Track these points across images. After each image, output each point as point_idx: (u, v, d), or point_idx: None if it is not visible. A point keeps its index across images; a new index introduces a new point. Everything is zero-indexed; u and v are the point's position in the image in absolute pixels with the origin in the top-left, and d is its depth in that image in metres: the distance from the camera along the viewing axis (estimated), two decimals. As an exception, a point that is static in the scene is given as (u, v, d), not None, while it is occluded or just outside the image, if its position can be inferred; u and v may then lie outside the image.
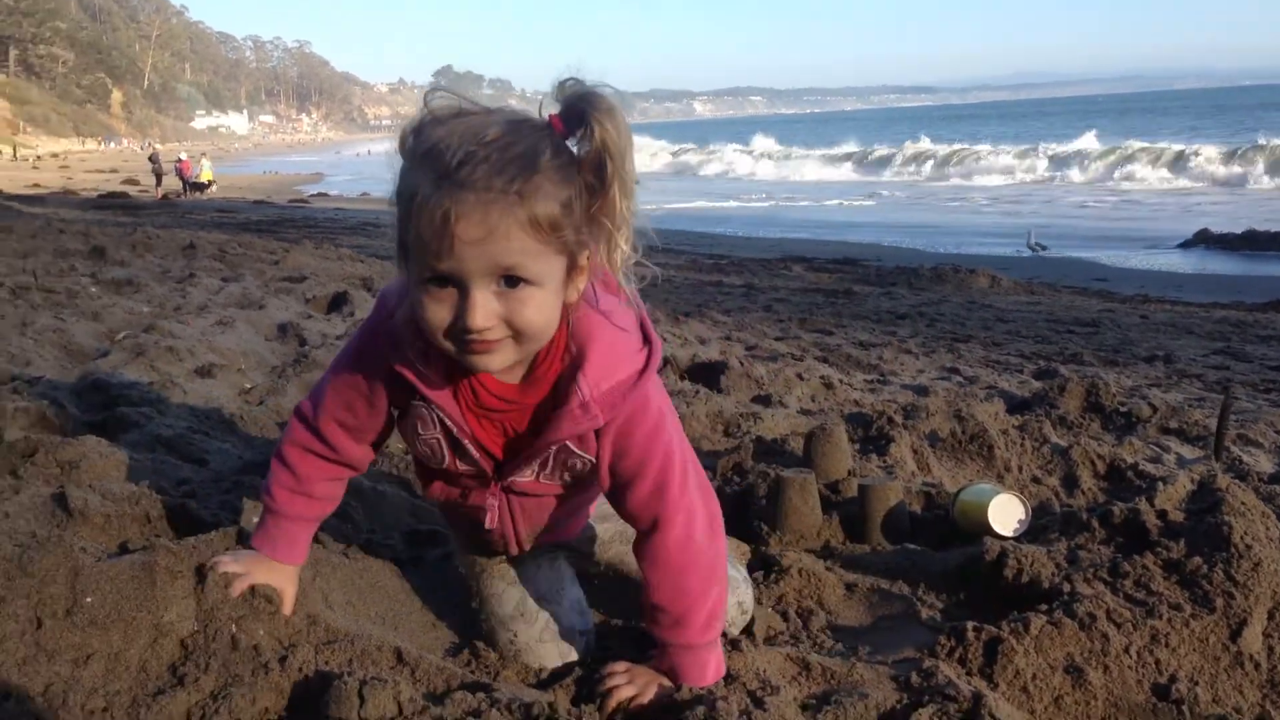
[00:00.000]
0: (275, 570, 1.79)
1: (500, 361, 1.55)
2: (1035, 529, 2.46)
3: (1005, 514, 2.46)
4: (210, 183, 36.42)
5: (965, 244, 19.48)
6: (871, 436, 3.46)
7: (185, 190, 35.35)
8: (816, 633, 2.06)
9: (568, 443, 1.67)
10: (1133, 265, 16.03)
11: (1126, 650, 1.82)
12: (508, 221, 1.43)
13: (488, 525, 1.80)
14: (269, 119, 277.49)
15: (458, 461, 1.73)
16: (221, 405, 3.19)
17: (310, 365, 3.85)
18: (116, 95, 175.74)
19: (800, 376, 4.60)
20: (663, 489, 1.71)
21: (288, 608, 1.76)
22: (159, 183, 37.17)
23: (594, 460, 1.71)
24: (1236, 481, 2.41)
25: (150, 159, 42.21)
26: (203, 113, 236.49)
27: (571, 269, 1.55)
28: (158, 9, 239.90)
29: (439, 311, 1.49)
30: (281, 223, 19.18)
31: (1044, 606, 1.94)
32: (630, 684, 1.71)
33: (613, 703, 1.69)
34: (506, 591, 1.92)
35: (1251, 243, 17.15)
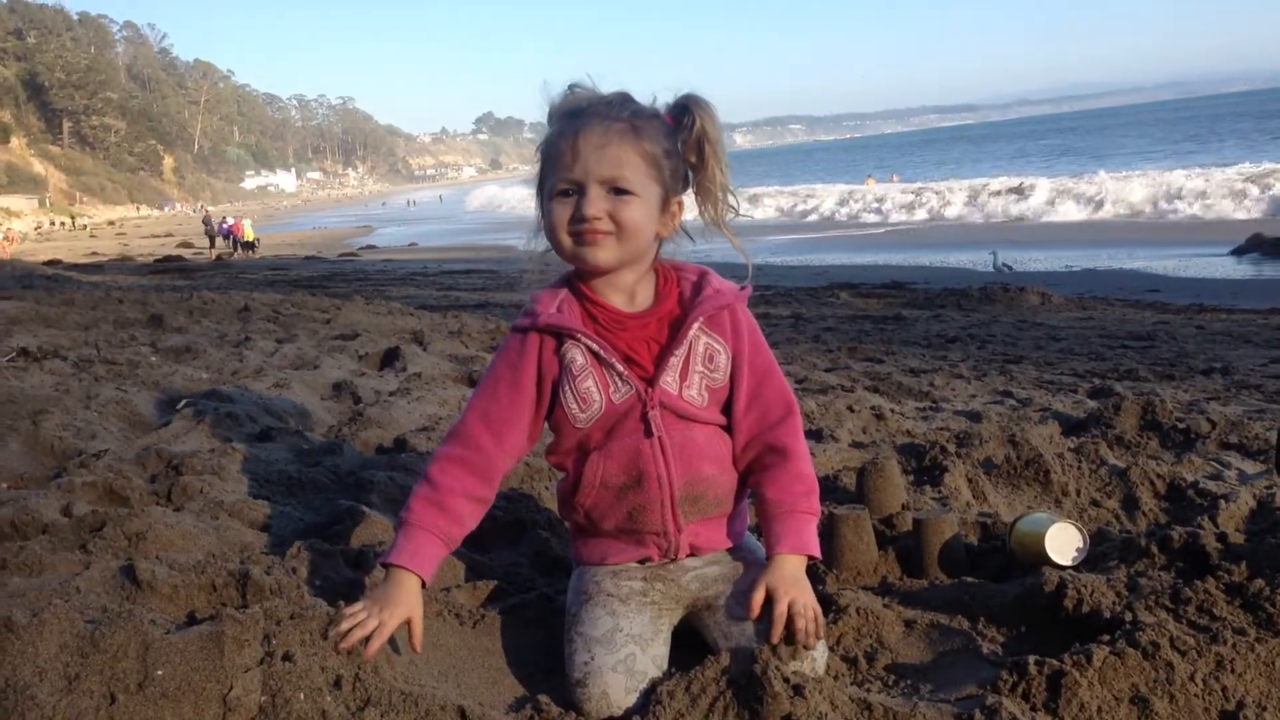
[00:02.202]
0: (399, 602, 1.91)
1: (605, 255, 1.95)
2: (1094, 556, 2.44)
3: (1063, 543, 2.44)
4: (255, 241, 37.15)
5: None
6: (925, 467, 3.45)
7: (235, 250, 36.10)
8: (879, 672, 2.06)
9: (704, 327, 2.02)
10: (1187, 274, 15.80)
11: (1192, 678, 1.79)
12: (621, 140, 1.92)
13: (647, 470, 2.01)
14: (316, 175, 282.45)
15: (612, 396, 2.00)
16: (281, 468, 3.25)
17: (366, 423, 3.92)
18: (168, 161, 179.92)
19: (851, 409, 4.59)
20: (783, 380, 2.12)
21: (417, 641, 1.93)
22: (212, 244, 37.99)
23: (729, 352, 2.04)
24: (1298, 499, 2.38)
25: (204, 221, 43.20)
26: (251, 173, 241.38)
27: (665, 206, 2.01)
28: (205, 74, 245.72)
29: (563, 212, 1.94)
30: (332, 277, 19.48)
31: (1106, 637, 1.92)
32: (801, 604, 1.95)
33: (812, 623, 1.95)
34: (603, 619, 2.00)
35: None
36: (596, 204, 1.91)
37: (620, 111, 1.95)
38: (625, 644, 1.96)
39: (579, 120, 1.94)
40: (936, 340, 8.64)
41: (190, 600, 2.10)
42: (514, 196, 71.49)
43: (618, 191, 1.92)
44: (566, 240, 1.95)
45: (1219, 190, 27.41)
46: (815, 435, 4.08)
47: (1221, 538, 2.21)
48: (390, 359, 5.70)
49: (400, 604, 1.92)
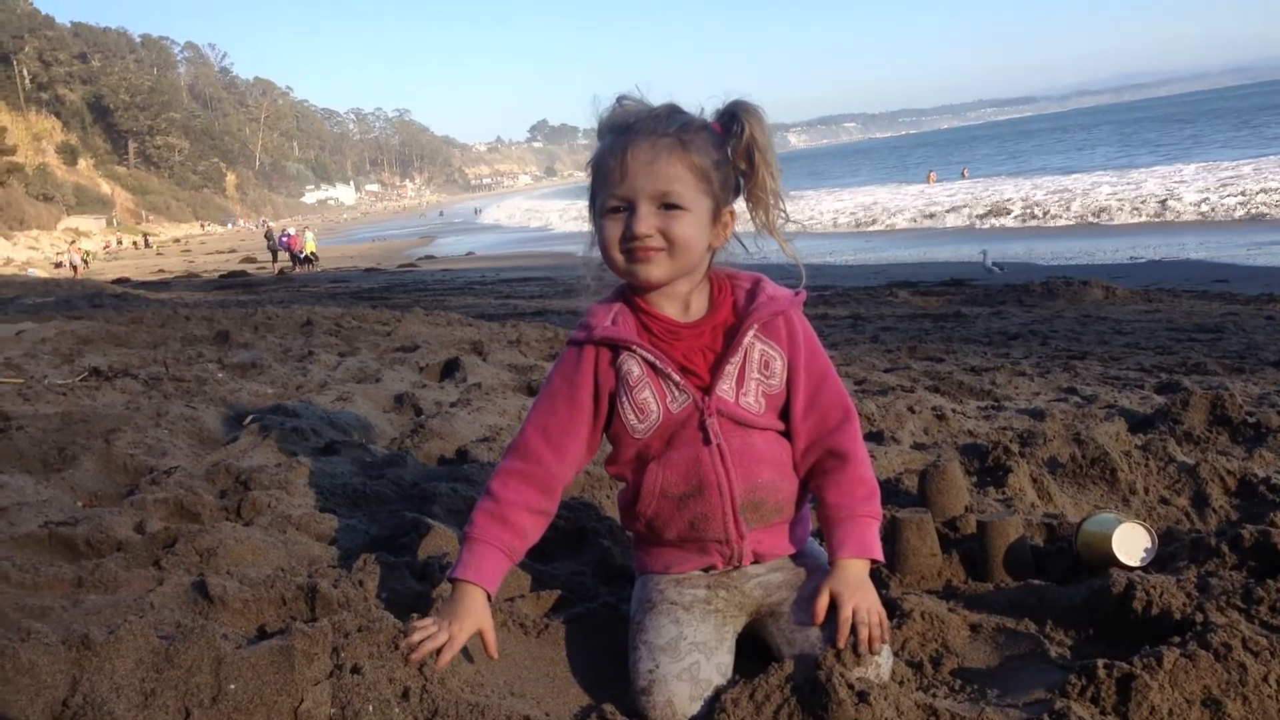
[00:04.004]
0: (468, 615, 1.95)
1: (658, 272, 1.96)
2: (1163, 557, 2.40)
3: (1130, 543, 2.40)
4: (314, 255, 37.60)
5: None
6: (988, 468, 3.41)
7: (295, 264, 36.60)
8: (945, 677, 2.04)
9: (759, 334, 2.02)
10: (1257, 262, 15.46)
11: (1265, 679, 1.76)
12: (670, 155, 1.92)
13: (707, 478, 2.01)
14: (374, 188, 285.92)
15: (669, 405, 2.01)
16: (346, 481, 3.30)
17: (428, 435, 3.96)
18: (231, 178, 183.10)
19: (912, 410, 4.55)
20: (840, 385, 2.12)
21: (492, 648, 1.97)
22: (274, 259, 38.57)
23: (784, 358, 2.04)
24: (1374, 494, 2.32)
25: (265, 236, 43.92)
26: (312, 187, 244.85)
27: (716, 217, 2.01)
28: (264, 92, 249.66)
29: (614, 229, 1.95)
30: (392, 289, 19.72)
31: (1176, 639, 1.89)
32: (865, 609, 1.95)
33: (877, 628, 1.95)
34: (667, 627, 2.01)
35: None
36: (647, 221, 1.92)
37: (668, 125, 1.95)
38: (690, 652, 1.97)
39: (627, 136, 1.95)
40: (998, 337, 8.53)
41: (260, 614, 2.15)
42: (549, 208, 70.53)
43: (668, 207, 1.93)
44: (619, 258, 1.97)
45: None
46: (876, 438, 4.06)
47: (1295, 536, 2.16)
48: (450, 370, 5.76)
49: (469, 617, 1.95)
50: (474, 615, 1.95)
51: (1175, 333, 8.21)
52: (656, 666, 1.95)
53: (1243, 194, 25.25)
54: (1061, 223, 26.70)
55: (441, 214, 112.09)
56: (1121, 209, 26.93)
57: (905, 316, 10.85)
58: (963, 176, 51.84)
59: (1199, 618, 1.96)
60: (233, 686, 1.70)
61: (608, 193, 1.95)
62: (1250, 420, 3.82)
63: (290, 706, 1.69)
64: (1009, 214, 29.83)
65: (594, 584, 2.57)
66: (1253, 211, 23.04)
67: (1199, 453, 3.52)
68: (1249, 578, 2.10)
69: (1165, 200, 26.83)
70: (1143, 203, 27.22)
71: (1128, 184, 33.75)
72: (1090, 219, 26.33)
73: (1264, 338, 7.59)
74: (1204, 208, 24.75)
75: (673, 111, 2.00)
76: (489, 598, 2.01)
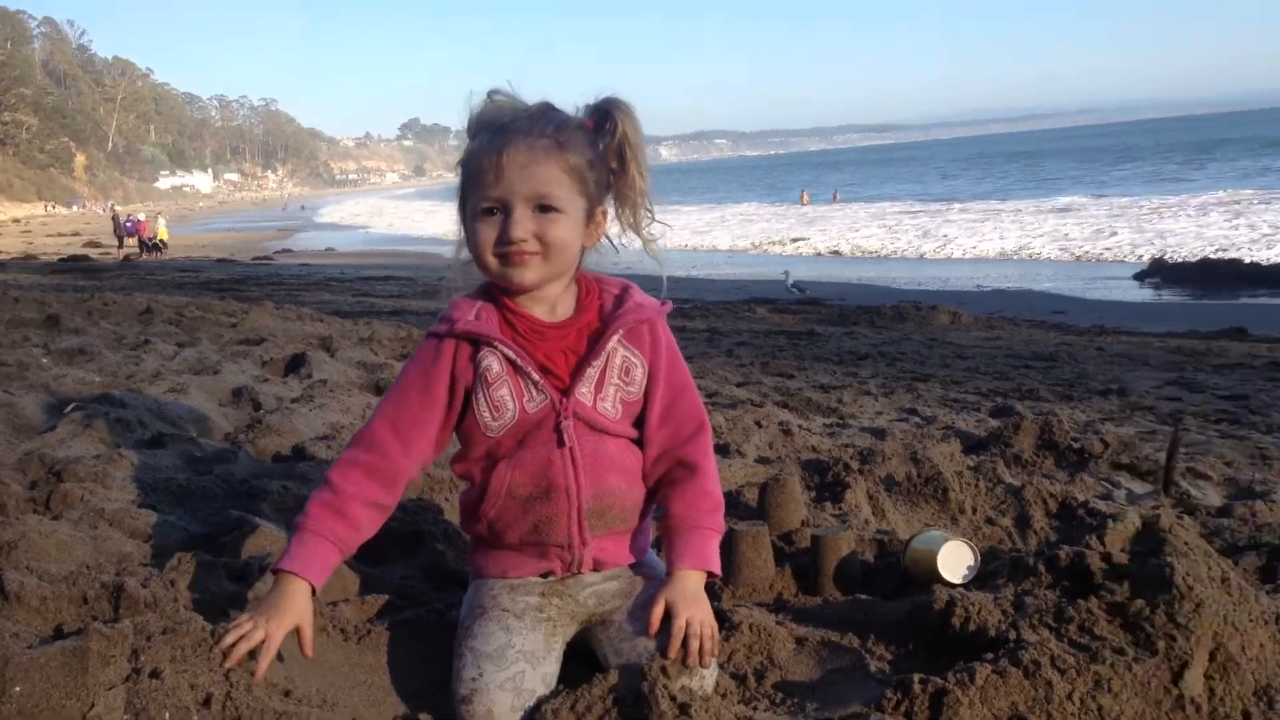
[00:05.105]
0: (287, 610, 1.86)
1: (532, 275, 1.94)
2: (984, 575, 2.46)
3: (955, 561, 2.46)
4: (163, 242, 36.24)
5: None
6: (828, 483, 3.46)
7: (143, 251, 35.22)
8: (767, 690, 2.05)
9: (624, 340, 2.02)
10: (1091, 296, 16.22)
11: (1070, 697, 1.81)
12: (546, 157, 1.89)
13: (556, 480, 1.99)
14: (234, 177, 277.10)
15: (526, 404, 1.97)
16: (170, 476, 3.15)
17: (264, 430, 3.82)
18: (80, 159, 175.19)
19: (759, 423, 4.60)
20: (697, 397, 2.13)
21: (308, 646, 1.88)
22: (120, 244, 37.03)
23: (645, 366, 2.04)
24: (1180, 520, 2.43)
25: (113, 219, 42.10)
26: (166, 173, 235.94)
27: (589, 218, 2.00)
28: (123, 72, 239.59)
29: (488, 232, 1.92)
30: (244, 281, 19.10)
31: (990, 655, 1.94)
32: (699, 620, 1.96)
33: (709, 640, 1.96)
34: (496, 634, 1.96)
35: (1205, 270, 17.39)
36: (523, 225, 1.89)
37: (544, 126, 1.92)
38: (516, 661, 1.94)
39: (502, 136, 1.91)
40: (848, 357, 8.73)
41: (59, 613, 2.02)
42: (415, 208, 68.79)
43: (544, 209, 1.91)
44: (493, 261, 1.94)
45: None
46: (722, 450, 4.09)
47: (1106, 557, 2.24)
48: (295, 365, 5.58)
49: (289, 612, 1.86)
50: (294, 610, 1.87)
51: (1013, 359, 8.52)
52: (480, 674, 1.91)
53: (1066, 237, 26.34)
54: (921, 248, 27.47)
55: (304, 208, 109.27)
56: (971, 239, 27.93)
57: (761, 333, 11.01)
58: (834, 200, 52.94)
59: (1013, 635, 2.02)
60: (18, 689, 1.59)
61: (481, 194, 1.91)
62: (1075, 446, 3.98)
63: (79, 712, 1.59)
64: (866, 239, 30.61)
65: (425, 589, 2.51)
66: (1076, 252, 23.86)
67: (1025, 475, 3.64)
68: (1062, 597, 2.16)
69: (1007, 234, 28.00)
70: (995, 234, 28.34)
71: (977, 215, 35.12)
72: (937, 248, 27.16)
73: (1093, 368, 7.95)
74: (1040, 245, 25.74)
75: (547, 110, 1.98)
76: (314, 592, 1.92)
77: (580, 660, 2.08)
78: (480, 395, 1.99)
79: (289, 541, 1.98)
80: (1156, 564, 2.09)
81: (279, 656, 1.87)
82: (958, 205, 41.34)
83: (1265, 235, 22.61)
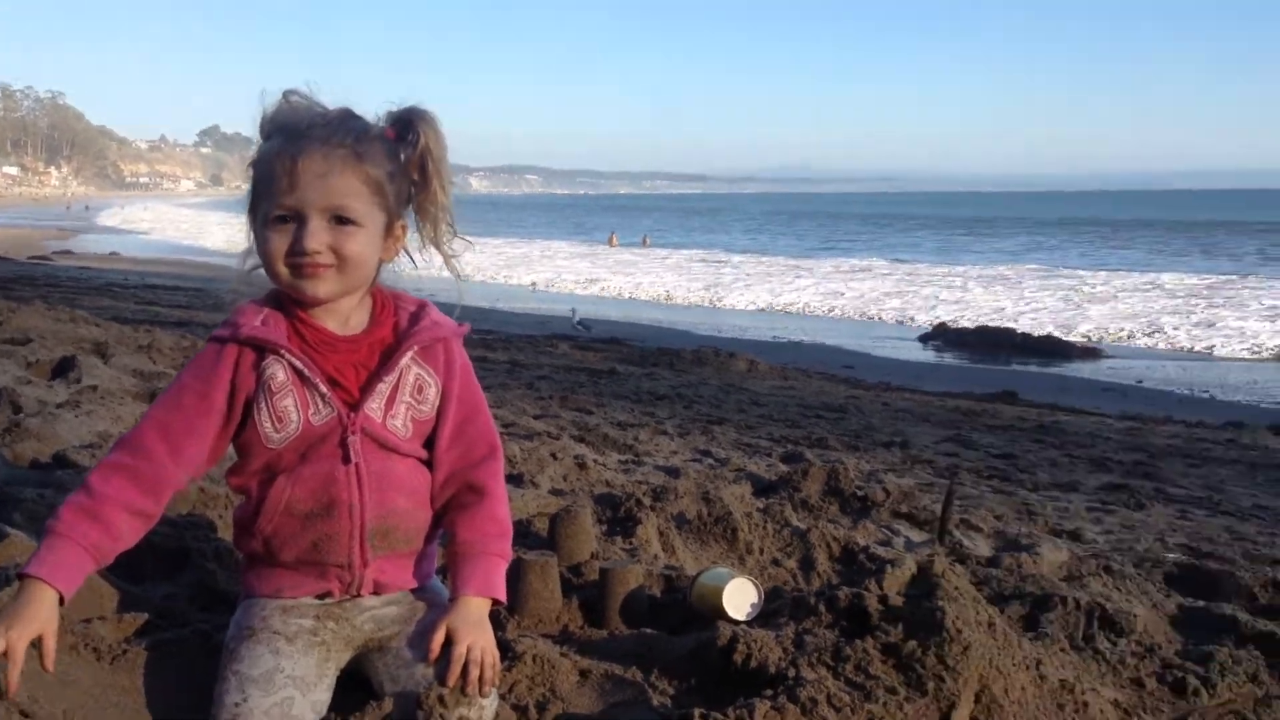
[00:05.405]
0: (30, 618, 1.70)
1: (326, 288, 1.86)
2: (768, 613, 2.50)
3: (739, 598, 2.49)
4: None
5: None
6: (620, 518, 3.47)
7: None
8: (548, 723, 2.01)
9: (417, 357, 1.96)
10: (879, 354, 16.97)
11: (844, 734, 1.85)
12: (344, 167, 1.82)
13: (339, 497, 1.91)
14: (13, 170, 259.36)
15: (311, 417, 1.89)
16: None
17: (22, 435, 3.54)
18: None
19: (555, 456, 4.58)
20: (490, 421, 2.09)
21: (49, 659, 1.71)
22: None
23: (439, 386, 1.98)
24: (953, 566, 2.53)
25: None
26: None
27: (388, 231, 1.94)
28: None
29: (280, 242, 1.83)
30: (18, 280, 17.80)
31: (770, 691, 1.96)
32: (480, 648, 1.91)
33: (489, 669, 1.90)
34: (265, 658, 1.86)
35: (982, 337, 18.48)
36: (318, 236, 1.82)
37: (343, 135, 1.85)
38: (285, 686, 1.84)
39: (299, 143, 1.82)
40: (647, 396, 8.82)
41: None
42: (211, 219, 66.15)
43: (340, 221, 1.84)
44: (284, 271, 1.86)
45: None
46: (516, 480, 4.04)
47: (883, 600, 2.31)
48: (64, 369, 5.21)
49: (32, 620, 1.70)
50: (39, 618, 1.71)
51: (804, 409, 8.80)
52: (245, 699, 1.81)
53: (860, 296, 27.51)
54: (724, 297, 28.09)
55: (88, 208, 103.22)
56: (771, 291, 28.84)
57: (563, 368, 11.01)
58: (644, 244, 53.61)
59: (792, 672, 2.05)
60: None
61: (274, 201, 1.82)
62: (859, 494, 4.12)
63: None
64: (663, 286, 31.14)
65: (190, 609, 2.37)
66: (868, 312, 24.83)
67: (812, 519, 3.74)
68: (840, 637, 2.21)
69: (805, 289, 29.11)
70: (794, 288, 29.38)
71: (778, 268, 36.40)
72: (738, 297, 27.89)
73: (879, 421, 8.29)
74: (835, 302, 26.75)
75: (347, 117, 1.90)
76: (61, 601, 1.76)
77: (357, 688, 1.99)
78: (262, 405, 1.90)
79: (39, 546, 1.82)
80: (929, 607, 2.16)
81: None
82: (760, 258, 42.83)
83: (1035, 308, 24.20)
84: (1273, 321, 20.65)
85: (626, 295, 28.79)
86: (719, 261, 40.95)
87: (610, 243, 52.83)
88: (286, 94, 1.91)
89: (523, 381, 9.21)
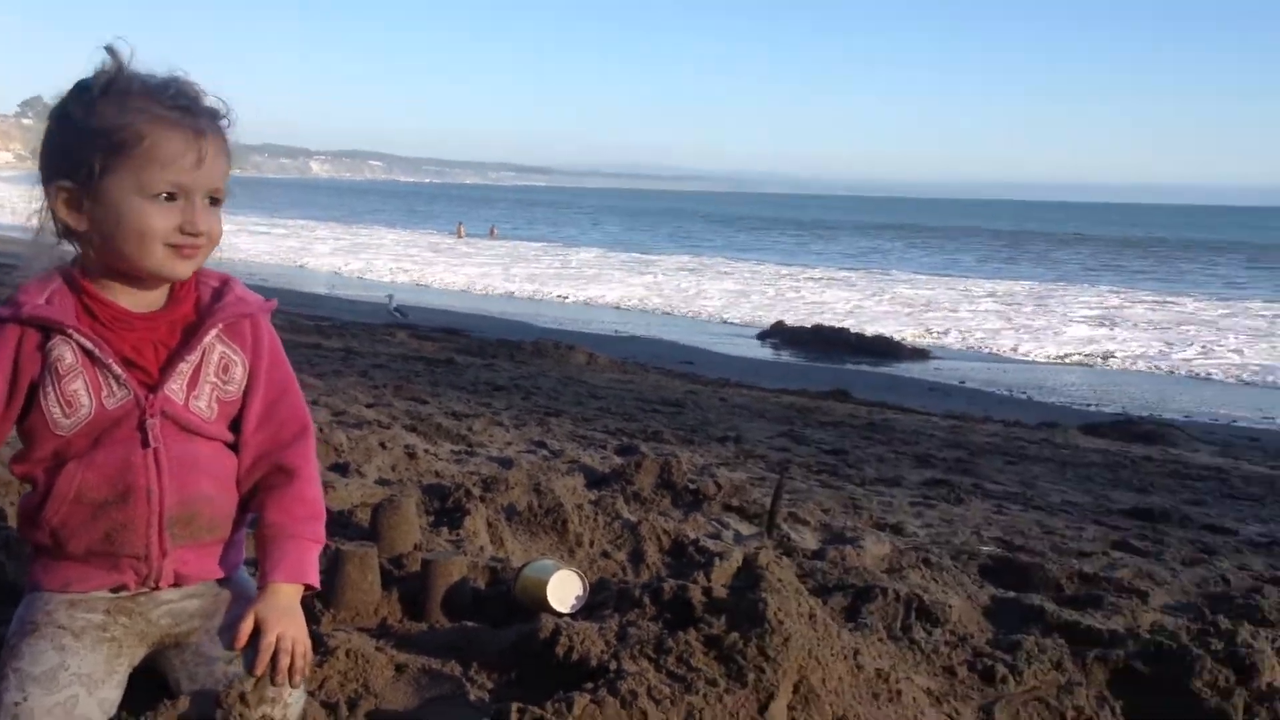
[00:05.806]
0: None
1: (190, 269, 1.82)
2: (592, 605, 2.47)
3: (564, 591, 2.46)
4: None
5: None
6: (448, 509, 3.39)
7: None
8: (359, 719, 1.94)
9: (222, 335, 1.87)
10: (719, 350, 17.23)
11: (662, 727, 1.83)
12: (223, 148, 1.81)
13: (137, 483, 1.80)
14: None
15: (104, 400, 1.77)
16: None
17: None
18: None
19: (384, 445, 4.46)
20: (301, 399, 2.01)
21: None
22: None
23: (246, 364, 1.89)
24: (777, 559, 2.55)
25: None
26: None
27: None
28: None
29: (165, 220, 1.74)
30: None
31: (590, 685, 1.93)
32: (290, 637, 1.83)
33: (300, 659, 1.83)
34: (48, 654, 1.74)
35: (818, 335, 18.96)
36: (205, 217, 1.79)
37: (220, 115, 1.84)
38: (70, 684, 1.72)
39: (199, 120, 1.78)
40: (484, 387, 8.72)
41: None
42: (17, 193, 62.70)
43: (214, 201, 1.82)
44: (158, 251, 1.76)
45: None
46: (341, 469, 3.92)
47: (707, 592, 2.31)
48: None
49: None
50: None
51: (642, 403, 8.84)
52: (25, 699, 1.68)
53: (702, 294, 27.92)
54: (566, 290, 28.05)
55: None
56: (614, 286, 28.96)
57: (399, 357, 10.80)
58: (491, 235, 53.13)
59: (614, 665, 2.02)
60: None
61: (168, 176, 1.74)
62: (691, 487, 4.14)
63: None
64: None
65: (-31, 604, 2.19)
66: (709, 308, 25.17)
67: (643, 512, 3.73)
68: (664, 629, 2.20)
69: (648, 284, 29.38)
70: (638, 283, 29.58)
71: (621, 263, 36.65)
72: (579, 291, 27.92)
73: (715, 416, 8.38)
74: (677, 298, 27.05)
75: (207, 93, 1.86)
76: None
77: (153, 686, 1.87)
78: (50, 389, 1.77)
79: None
80: (752, 599, 2.17)
81: None
82: (604, 252, 43.12)
83: (871, 309, 25.03)
84: (1090, 327, 21.97)
85: (470, 287, 28.47)
86: (564, 254, 41.05)
87: (458, 233, 52.22)
88: (112, 48, 1.78)
89: (357, 369, 8.99)
